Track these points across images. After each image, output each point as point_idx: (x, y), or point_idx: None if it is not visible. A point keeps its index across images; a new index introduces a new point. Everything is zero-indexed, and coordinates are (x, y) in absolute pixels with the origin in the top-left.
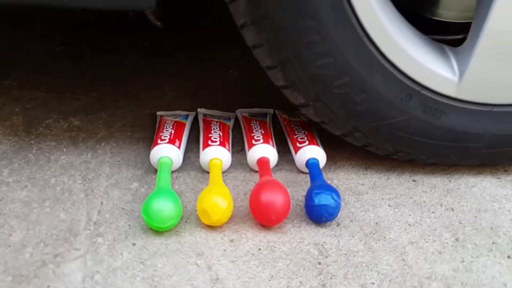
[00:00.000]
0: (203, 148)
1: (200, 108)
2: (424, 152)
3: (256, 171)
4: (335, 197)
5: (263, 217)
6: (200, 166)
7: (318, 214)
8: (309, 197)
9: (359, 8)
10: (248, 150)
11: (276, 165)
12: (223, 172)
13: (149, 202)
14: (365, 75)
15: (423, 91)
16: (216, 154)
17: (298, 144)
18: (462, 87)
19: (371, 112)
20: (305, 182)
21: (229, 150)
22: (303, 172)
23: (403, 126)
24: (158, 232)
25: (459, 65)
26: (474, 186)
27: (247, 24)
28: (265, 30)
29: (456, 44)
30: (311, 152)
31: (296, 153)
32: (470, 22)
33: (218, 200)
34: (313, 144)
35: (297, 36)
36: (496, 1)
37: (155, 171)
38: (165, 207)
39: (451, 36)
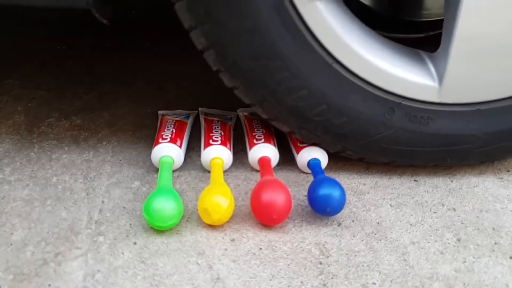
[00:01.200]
0: (204, 148)
1: (201, 107)
2: (420, 159)
3: (257, 171)
4: (340, 188)
5: (264, 216)
6: (201, 165)
7: (322, 205)
8: (312, 188)
9: (323, 38)
10: (250, 150)
11: (277, 165)
12: (224, 171)
13: (150, 201)
14: (342, 99)
15: (405, 102)
16: (217, 154)
17: (299, 144)
18: (444, 91)
19: (356, 132)
20: (306, 182)
21: (230, 150)
22: (304, 172)
23: (391, 139)
24: (159, 231)
25: (437, 70)
26: (476, 186)
27: (221, 70)
28: (238, 75)
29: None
30: (313, 152)
31: (297, 153)
32: (433, 20)
33: (219, 199)
34: (315, 144)
35: (268, 76)
36: (463, 2)
37: (156, 170)
38: (166, 206)
39: (415, 34)
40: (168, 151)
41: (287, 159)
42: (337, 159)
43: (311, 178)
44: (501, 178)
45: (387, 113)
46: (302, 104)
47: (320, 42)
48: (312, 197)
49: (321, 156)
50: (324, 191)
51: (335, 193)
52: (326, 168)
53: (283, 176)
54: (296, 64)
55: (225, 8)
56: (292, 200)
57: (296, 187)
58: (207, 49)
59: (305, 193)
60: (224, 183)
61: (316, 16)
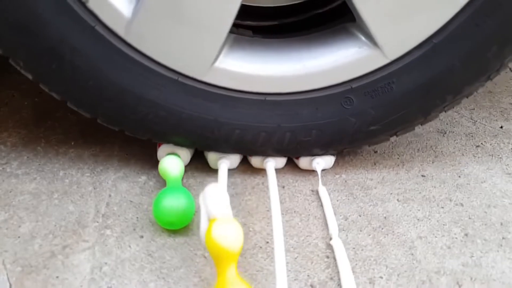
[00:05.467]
0: None
1: None
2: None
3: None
4: None
5: None
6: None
7: None
8: None
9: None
10: None
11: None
12: (231, 168)
13: (161, 204)
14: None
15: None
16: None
17: None
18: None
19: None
20: (313, 177)
21: None
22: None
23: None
24: None
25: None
26: (484, 181)
27: None
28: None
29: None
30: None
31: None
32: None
33: None
34: None
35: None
36: None
37: None
38: (178, 212)
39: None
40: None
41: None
42: (344, 155)
43: (317, 174)
44: (509, 174)
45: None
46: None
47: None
48: None
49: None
50: None
51: None
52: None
53: (289, 172)
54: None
55: None
56: (295, 197)
57: (303, 182)
58: None
59: (312, 188)
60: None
61: None
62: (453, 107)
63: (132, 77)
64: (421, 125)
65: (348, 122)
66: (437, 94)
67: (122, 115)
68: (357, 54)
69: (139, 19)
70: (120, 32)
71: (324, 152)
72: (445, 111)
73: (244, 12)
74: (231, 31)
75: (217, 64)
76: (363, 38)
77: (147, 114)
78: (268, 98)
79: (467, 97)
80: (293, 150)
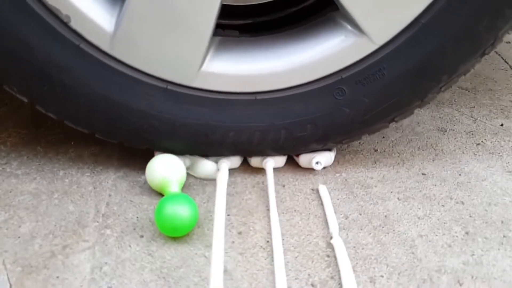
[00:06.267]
0: None
1: None
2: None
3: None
4: None
5: None
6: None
7: None
8: None
9: None
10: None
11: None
12: (232, 168)
13: (164, 214)
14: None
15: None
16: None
17: None
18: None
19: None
20: (313, 175)
21: None
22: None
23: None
24: None
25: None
26: (485, 179)
27: None
28: None
29: None
30: (313, 153)
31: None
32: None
33: None
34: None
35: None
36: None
37: None
38: (182, 222)
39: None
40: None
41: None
42: (345, 153)
43: (317, 172)
44: (510, 172)
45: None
46: None
47: None
48: None
49: (321, 153)
50: None
51: None
52: (333, 161)
53: (290, 171)
54: None
55: None
56: (298, 194)
57: (303, 181)
58: None
59: (312, 186)
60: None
61: None
62: (451, 87)
63: (121, 90)
64: (420, 108)
65: (343, 113)
66: (431, 75)
67: (118, 128)
68: (343, 43)
69: (121, 32)
70: (105, 47)
71: (322, 145)
72: (443, 92)
73: (227, 12)
74: (217, 34)
75: (204, 68)
76: (348, 26)
77: (142, 125)
78: (259, 97)
79: (464, 75)
80: (290, 147)
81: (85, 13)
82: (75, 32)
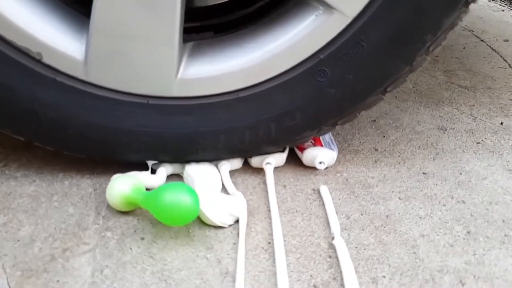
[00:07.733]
0: None
1: None
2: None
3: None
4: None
5: None
6: None
7: None
8: None
9: None
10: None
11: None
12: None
13: (165, 202)
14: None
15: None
16: None
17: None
18: None
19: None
20: (314, 176)
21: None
22: (310, 167)
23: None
24: (167, 226)
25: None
26: (486, 178)
27: None
28: None
29: None
30: (316, 150)
31: (302, 152)
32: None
33: None
34: (319, 144)
35: None
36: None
37: None
38: (184, 208)
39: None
40: None
41: (291, 157)
42: (345, 153)
43: (318, 172)
44: (510, 170)
45: None
46: None
47: None
48: None
49: (324, 153)
50: None
51: None
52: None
53: (290, 171)
54: None
55: None
56: (298, 194)
57: (304, 181)
58: None
59: (313, 187)
60: None
61: None
62: (440, 44)
63: (104, 113)
64: (411, 72)
65: (329, 94)
66: (414, 37)
67: (111, 150)
68: (315, 22)
69: (91, 57)
70: (80, 75)
71: (317, 131)
72: (432, 52)
73: (199, 13)
74: (190, 39)
75: (180, 76)
76: (316, 4)
77: (131, 143)
78: (241, 94)
79: (452, 29)
80: (284, 139)
81: (54, 47)
82: (49, 66)
